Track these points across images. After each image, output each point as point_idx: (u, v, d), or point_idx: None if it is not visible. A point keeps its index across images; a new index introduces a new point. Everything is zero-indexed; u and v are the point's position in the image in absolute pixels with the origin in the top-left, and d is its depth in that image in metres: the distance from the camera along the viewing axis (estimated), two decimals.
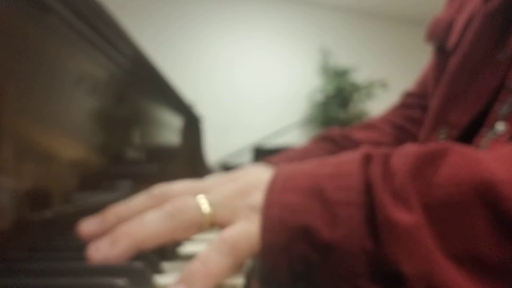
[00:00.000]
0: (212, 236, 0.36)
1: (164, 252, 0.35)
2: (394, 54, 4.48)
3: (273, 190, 0.30)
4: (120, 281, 0.26)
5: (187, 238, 0.33)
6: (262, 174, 0.33)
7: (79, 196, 0.46)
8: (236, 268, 0.29)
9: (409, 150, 0.30)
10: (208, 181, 0.34)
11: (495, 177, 0.26)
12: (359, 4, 4.30)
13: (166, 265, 0.33)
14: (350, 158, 0.31)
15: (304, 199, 0.29)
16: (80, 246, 0.38)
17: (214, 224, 0.31)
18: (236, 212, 0.31)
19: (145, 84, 0.76)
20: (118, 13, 0.53)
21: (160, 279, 0.30)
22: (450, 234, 0.26)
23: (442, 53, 0.53)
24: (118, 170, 0.62)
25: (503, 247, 0.25)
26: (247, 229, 0.30)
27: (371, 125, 0.69)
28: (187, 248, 0.40)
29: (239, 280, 0.30)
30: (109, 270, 0.28)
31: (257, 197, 0.31)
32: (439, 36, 0.53)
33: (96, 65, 0.53)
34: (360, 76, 4.03)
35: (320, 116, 3.98)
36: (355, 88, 4.03)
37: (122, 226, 0.30)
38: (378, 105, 4.03)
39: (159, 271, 0.31)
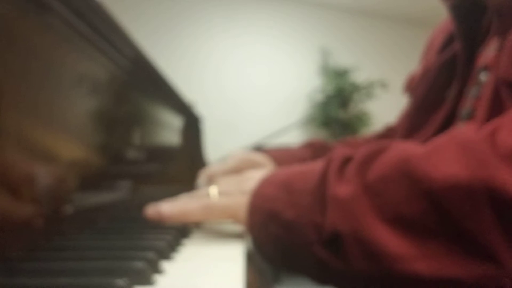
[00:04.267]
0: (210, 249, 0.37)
1: (164, 252, 0.35)
2: (394, 54, 4.48)
3: (261, 183, 0.42)
4: (120, 281, 0.26)
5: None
6: (257, 173, 0.47)
7: (79, 196, 0.46)
8: (203, 221, 0.47)
9: (362, 150, 0.39)
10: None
11: (412, 156, 0.34)
12: (359, 4, 4.29)
13: (166, 265, 0.33)
14: (321, 161, 0.40)
15: (275, 190, 0.40)
16: (80, 246, 0.38)
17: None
18: (233, 193, 0.46)
19: (145, 84, 0.76)
20: (117, 13, 0.53)
21: (160, 279, 0.30)
22: (381, 202, 0.34)
23: (410, 98, 0.66)
24: (118, 170, 0.62)
25: (416, 205, 0.32)
26: (229, 202, 0.45)
27: (351, 144, 0.80)
28: (187, 249, 0.40)
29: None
30: (109, 270, 0.28)
31: (250, 185, 0.44)
32: (410, 89, 0.66)
33: (96, 65, 0.53)
34: (360, 76, 4.02)
35: (320, 116, 3.98)
36: (355, 88, 4.02)
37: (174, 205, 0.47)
38: (378, 105, 4.03)
39: (159, 271, 0.31)
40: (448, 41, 0.56)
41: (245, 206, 0.43)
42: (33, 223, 0.36)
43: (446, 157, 0.33)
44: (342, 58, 4.13)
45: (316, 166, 0.40)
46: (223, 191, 0.47)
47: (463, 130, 0.36)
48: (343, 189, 0.36)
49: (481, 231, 0.30)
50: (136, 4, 3.84)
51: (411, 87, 0.66)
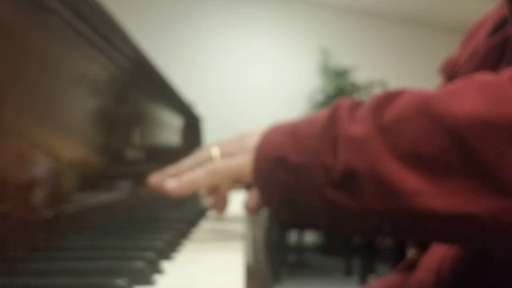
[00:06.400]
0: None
1: (164, 252, 0.35)
2: (394, 54, 4.48)
3: (265, 134, 0.42)
4: (120, 281, 0.26)
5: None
6: (260, 127, 0.46)
7: (79, 196, 0.46)
8: (212, 186, 0.49)
9: (374, 96, 0.38)
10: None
11: (430, 97, 0.34)
12: (359, 4, 4.29)
13: (166, 265, 0.33)
14: (326, 108, 0.40)
15: (282, 138, 0.40)
16: (80, 246, 0.38)
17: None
18: (234, 151, 0.45)
19: (145, 84, 0.76)
20: (117, 13, 0.53)
21: (160, 279, 0.30)
22: (397, 140, 0.34)
23: (449, 81, 0.64)
24: (118, 170, 0.62)
25: (436, 142, 0.33)
26: (234, 163, 0.44)
27: None
28: (187, 249, 0.40)
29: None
30: (109, 270, 0.28)
31: (252, 141, 0.44)
32: (448, 72, 0.64)
33: (96, 65, 0.53)
34: (360, 76, 4.03)
35: None
36: (355, 88, 4.02)
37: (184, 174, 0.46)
38: None
39: (159, 271, 0.31)
40: (500, 25, 0.56)
41: (249, 164, 0.42)
42: (33, 223, 0.36)
43: (467, 96, 0.33)
44: (342, 58, 4.13)
45: (322, 113, 0.40)
46: (225, 151, 0.46)
47: (479, 75, 0.36)
48: (356, 128, 0.35)
49: (503, 168, 0.31)
50: (136, 4, 3.84)
51: (447, 69, 0.66)
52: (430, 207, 0.33)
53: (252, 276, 0.38)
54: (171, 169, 0.47)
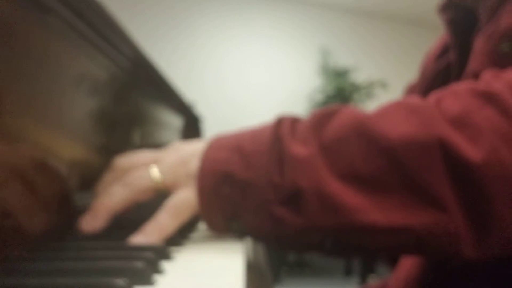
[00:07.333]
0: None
1: (164, 252, 0.35)
2: (394, 54, 4.48)
3: (207, 150, 0.40)
4: (120, 281, 0.26)
5: (148, 199, 0.43)
6: (198, 144, 0.43)
7: (79, 196, 0.46)
8: (180, 225, 0.41)
9: (314, 111, 0.40)
10: (158, 152, 0.44)
11: (365, 118, 0.37)
12: (359, 4, 4.29)
13: (166, 265, 0.33)
14: (268, 123, 0.41)
15: (227, 153, 0.39)
16: (80, 246, 0.38)
17: (164, 188, 0.42)
18: (179, 179, 0.41)
19: (145, 84, 0.76)
20: (117, 13, 0.53)
21: (160, 279, 0.30)
22: (337, 160, 0.36)
23: None
24: None
25: (373, 162, 0.36)
26: (187, 194, 0.40)
27: None
28: (187, 248, 0.40)
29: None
30: (109, 270, 0.28)
31: (195, 164, 0.40)
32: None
33: (96, 65, 0.53)
34: (360, 76, 4.03)
35: None
36: (355, 88, 4.02)
37: (97, 202, 0.42)
38: (378, 105, 4.03)
39: (159, 271, 0.31)
40: (445, 50, 0.59)
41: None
42: (33, 223, 0.36)
43: (398, 118, 0.37)
44: (342, 58, 4.13)
45: (265, 128, 0.41)
46: (170, 178, 0.41)
47: (408, 98, 0.39)
48: (299, 148, 0.37)
49: (433, 184, 0.35)
50: (136, 4, 3.84)
51: (408, 94, 0.68)
52: (369, 221, 0.35)
53: (252, 276, 0.38)
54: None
